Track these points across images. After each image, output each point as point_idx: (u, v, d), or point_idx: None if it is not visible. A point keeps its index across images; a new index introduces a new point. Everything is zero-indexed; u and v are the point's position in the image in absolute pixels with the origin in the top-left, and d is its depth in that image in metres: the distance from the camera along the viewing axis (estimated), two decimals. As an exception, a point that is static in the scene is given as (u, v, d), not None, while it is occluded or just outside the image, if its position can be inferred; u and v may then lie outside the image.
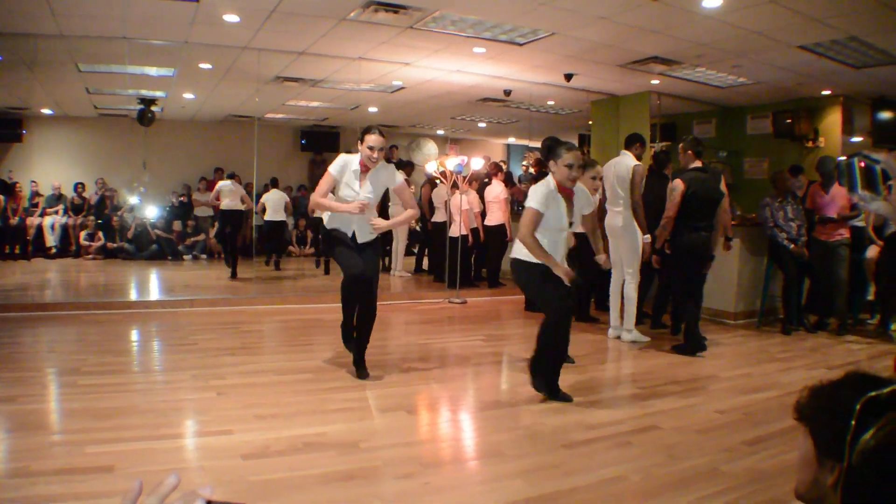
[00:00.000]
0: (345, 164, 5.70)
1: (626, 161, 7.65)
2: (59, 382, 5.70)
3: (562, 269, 5.13)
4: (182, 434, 4.59)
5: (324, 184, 5.68)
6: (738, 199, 12.02)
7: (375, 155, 5.61)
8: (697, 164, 7.40)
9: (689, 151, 7.44)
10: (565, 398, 5.35)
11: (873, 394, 1.19)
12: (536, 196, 5.22)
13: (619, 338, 7.81)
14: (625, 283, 7.72)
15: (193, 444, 4.37)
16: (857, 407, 1.17)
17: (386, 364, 6.46)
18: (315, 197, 5.70)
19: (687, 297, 7.35)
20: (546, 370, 5.39)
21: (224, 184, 12.19)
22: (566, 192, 5.30)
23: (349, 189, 5.67)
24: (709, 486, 3.76)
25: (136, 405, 4.96)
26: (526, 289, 5.55)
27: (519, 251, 5.36)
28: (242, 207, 12.14)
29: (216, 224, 14.34)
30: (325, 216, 5.93)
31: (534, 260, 5.20)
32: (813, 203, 8.84)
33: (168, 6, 7.81)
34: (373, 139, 5.61)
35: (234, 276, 12.06)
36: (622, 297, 7.87)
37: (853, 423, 1.17)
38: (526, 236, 5.17)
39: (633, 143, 7.88)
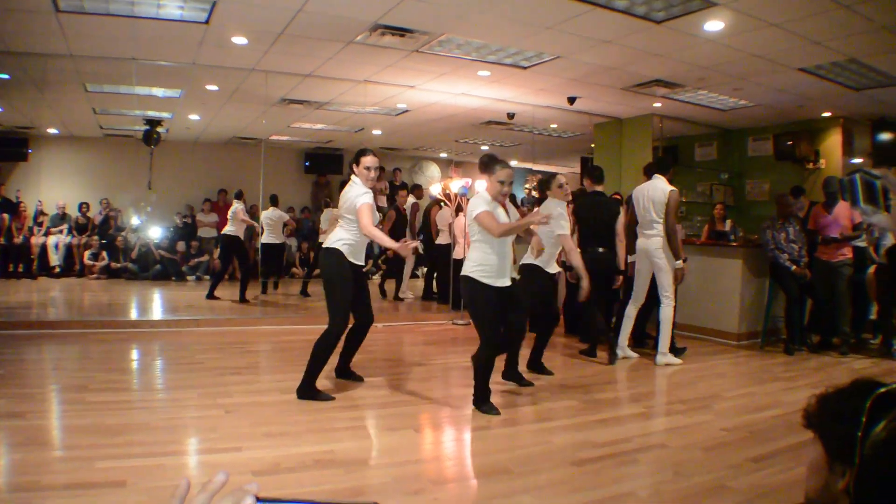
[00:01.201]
0: (368, 195, 5.83)
1: (661, 185, 7.70)
2: (66, 399, 5.70)
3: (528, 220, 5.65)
4: (192, 451, 4.63)
5: (371, 214, 5.78)
6: (740, 220, 12.09)
7: (373, 174, 5.96)
8: (598, 188, 8.19)
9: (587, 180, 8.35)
10: (495, 412, 5.59)
11: (882, 390, 1.22)
12: (480, 202, 5.52)
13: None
14: (660, 306, 7.74)
15: (204, 461, 4.38)
16: (868, 404, 1.21)
17: (392, 384, 6.49)
18: (374, 230, 5.76)
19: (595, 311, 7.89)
20: (478, 390, 5.66)
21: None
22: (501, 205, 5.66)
23: (377, 211, 6.02)
24: (716, 502, 3.79)
25: (145, 422, 4.99)
26: (469, 306, 5.69)
27: (468, 268, 5.55)
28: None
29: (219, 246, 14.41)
30: (343, 246, 5.87)
31: (484, 280, 5.45)
32: (815, 224, 8.90)
33: (177, 27, 7.90)
34: (369, 160, 5.93)
35: (242, 299, 11.86)
36: (635, 319, 8.07)
37: (864, 419, 1.20)
38: (497, 229, 5.39)
39: (667, 167, 7.98)
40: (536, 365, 7.14)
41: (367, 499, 3.71)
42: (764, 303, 9.13)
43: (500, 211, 5.61)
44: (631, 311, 7.96)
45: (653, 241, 7.67)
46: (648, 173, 8.61)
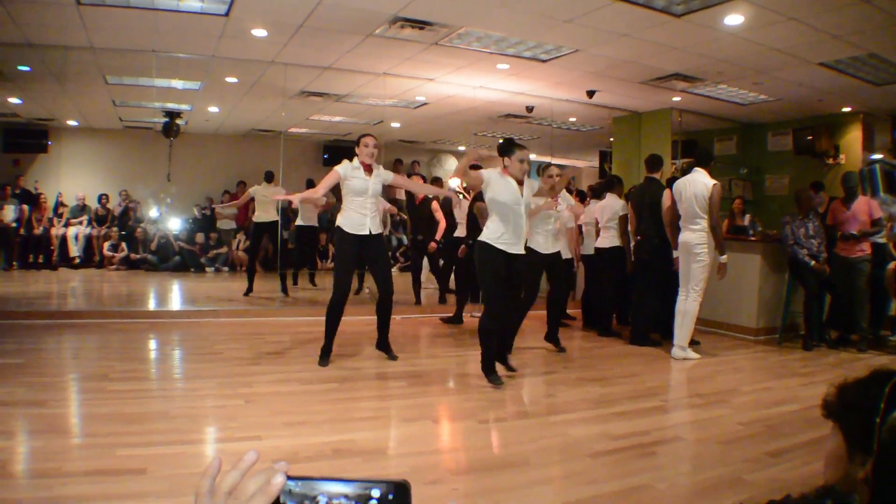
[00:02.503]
0: (347, 165, 6.64)
1: (703, 179, 7.65)
2: (86, 388, 5.74)
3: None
4: (211, 439, 4.67)
5: (328, 179, 6.65)
6: (759, 215, 12.05)
7: (371, 149, 6.64)
8: (653, 175, 8.72)
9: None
10: (498, 381, 6.17)
11: None
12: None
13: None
14: (687, 298, 7.75)
15: (223, 449, 4.40)
16: (887, 390, 1.21)
17: (410, 375, 6.52)
18: (317, 191, 6.71)
19: None
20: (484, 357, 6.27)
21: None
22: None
23: (358, 180, 6.59)
24: (733, 495, 3.78)
25: (164, 411, 5.03)
26: (478, 272, 6.28)
27: (485, 235, 6.19)
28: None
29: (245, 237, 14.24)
30: (341, 220, 6.67)
31: (498, 245, 6.08)
32: (834, 219, 8.85)
33: (197, 20, 7.94)
34: (369, 139, 6.70)
35: (284, 290, 11.57)
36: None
37: (882, 405, 1.20)
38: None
39: (708, 160, 7.96)
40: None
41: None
42: (782, 298, 9.08)
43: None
44: (680, 307, 7.88)
45: (696, 234, 7.64)
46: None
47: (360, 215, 6.57)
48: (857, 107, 11.47)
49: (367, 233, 6.58)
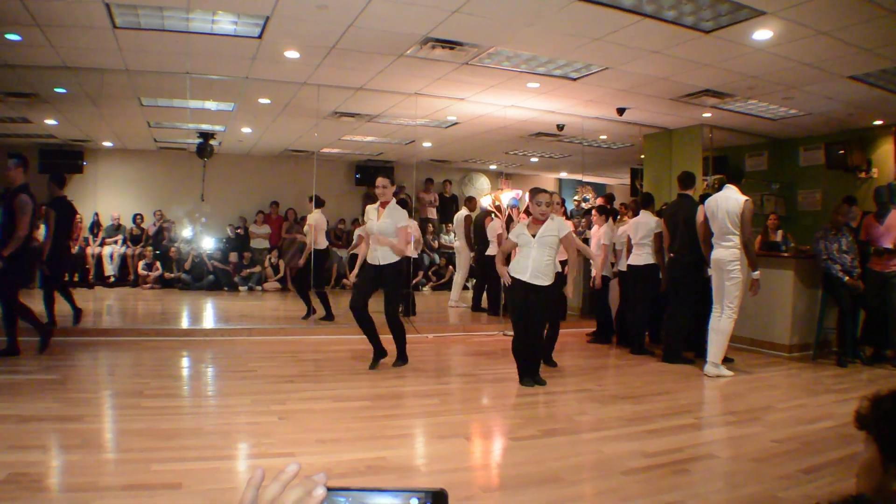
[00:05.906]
0: (368, 208, 7.60)
1: (735, 196, 7.64)
2: (121, 404, 5.80)
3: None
4: (245, 455, 4.70)
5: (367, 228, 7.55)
6: (792, 231, 11.95)
7: (379, 191, 7.41)
8: (686, 192, 8.80)
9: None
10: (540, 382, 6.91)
11: None
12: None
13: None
14: (722, 316, 7.72)
15: (257, 465, 4.41)
16: None
17: (442, 393, 6.55)
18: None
19: None
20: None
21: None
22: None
23: (371, 222, 7.42)
24: (766, 512, 3.78)
25: (199, 427, 5.09)
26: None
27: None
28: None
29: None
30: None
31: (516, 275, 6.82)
32: (866, 234, 8.78)
33: (231, 42, 8.05)
34: (378, 181, 7.46)
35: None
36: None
37: None
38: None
39: (739, 176, 7.98)
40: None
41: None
42: (816, 314, 9.01)
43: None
44: (714, 324, 7.83)
45: (729, 252, 7.61)
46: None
47: (373, 247, 7.41)
48: (889, 119, 11.35)
49: (377, 262, 7.36)
